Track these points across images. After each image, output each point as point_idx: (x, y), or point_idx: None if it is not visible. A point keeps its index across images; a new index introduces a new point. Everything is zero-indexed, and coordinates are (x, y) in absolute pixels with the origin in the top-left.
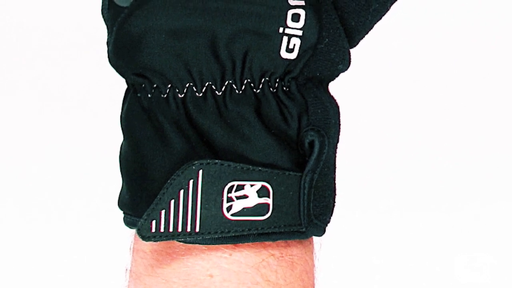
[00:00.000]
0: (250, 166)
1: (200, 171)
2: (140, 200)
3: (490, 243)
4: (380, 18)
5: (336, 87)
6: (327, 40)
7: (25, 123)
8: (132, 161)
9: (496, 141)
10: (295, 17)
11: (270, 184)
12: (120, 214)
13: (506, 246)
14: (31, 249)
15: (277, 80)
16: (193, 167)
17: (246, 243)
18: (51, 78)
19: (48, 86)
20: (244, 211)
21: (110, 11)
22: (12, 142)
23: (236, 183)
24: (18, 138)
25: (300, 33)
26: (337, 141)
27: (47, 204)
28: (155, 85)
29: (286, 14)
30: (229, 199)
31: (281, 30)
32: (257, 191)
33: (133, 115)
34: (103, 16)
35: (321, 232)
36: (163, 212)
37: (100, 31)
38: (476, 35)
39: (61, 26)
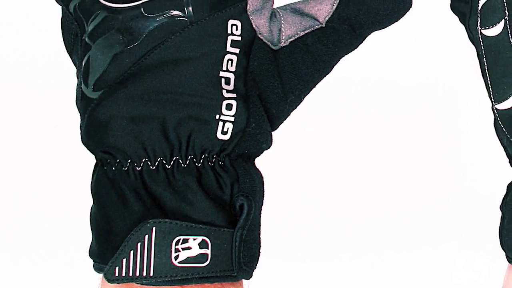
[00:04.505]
0: (193, 224)
1: (154, 228)
2: (106, 251)
3: (490, 244)
4: (296, 107)
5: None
6: (253, 125)
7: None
8: (100, 220)
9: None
10: (229, 107)
11: (209, 238)
12: (90, 262)
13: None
14: None
15: (214, 156)
16: (148, 225)
17: (190, 285)
18: (38, 154)
19: (36, 163)
20: (188, 259)
21: (82, 102)
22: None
23: (182, 237)
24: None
25: (232, 119)
26: (262, 204)
27: (31, 256)
28: (118, 160)
29: (221, 104)
30: (177, 250)
31: (217, 116)
32: (198, 244)
33: (100, 184)
34: (77, 105)
35: (249, 276)
36: (124, 260)
37: (74, 117)
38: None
39: (46, 114)
